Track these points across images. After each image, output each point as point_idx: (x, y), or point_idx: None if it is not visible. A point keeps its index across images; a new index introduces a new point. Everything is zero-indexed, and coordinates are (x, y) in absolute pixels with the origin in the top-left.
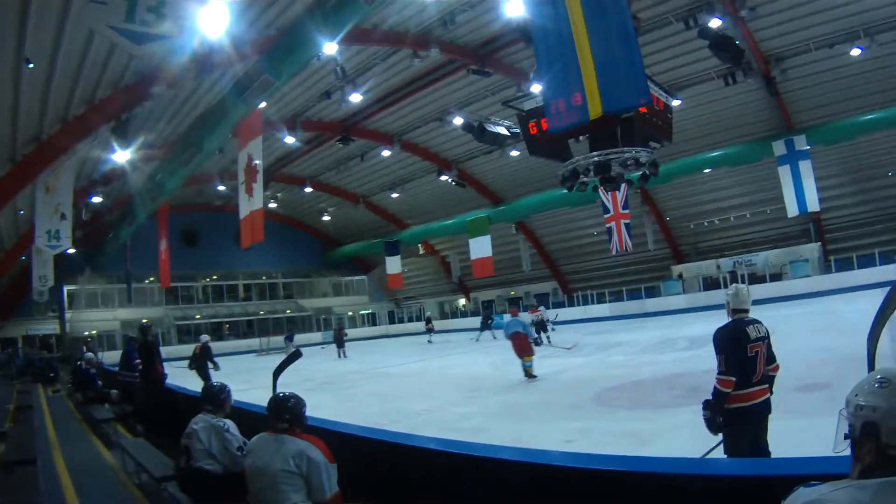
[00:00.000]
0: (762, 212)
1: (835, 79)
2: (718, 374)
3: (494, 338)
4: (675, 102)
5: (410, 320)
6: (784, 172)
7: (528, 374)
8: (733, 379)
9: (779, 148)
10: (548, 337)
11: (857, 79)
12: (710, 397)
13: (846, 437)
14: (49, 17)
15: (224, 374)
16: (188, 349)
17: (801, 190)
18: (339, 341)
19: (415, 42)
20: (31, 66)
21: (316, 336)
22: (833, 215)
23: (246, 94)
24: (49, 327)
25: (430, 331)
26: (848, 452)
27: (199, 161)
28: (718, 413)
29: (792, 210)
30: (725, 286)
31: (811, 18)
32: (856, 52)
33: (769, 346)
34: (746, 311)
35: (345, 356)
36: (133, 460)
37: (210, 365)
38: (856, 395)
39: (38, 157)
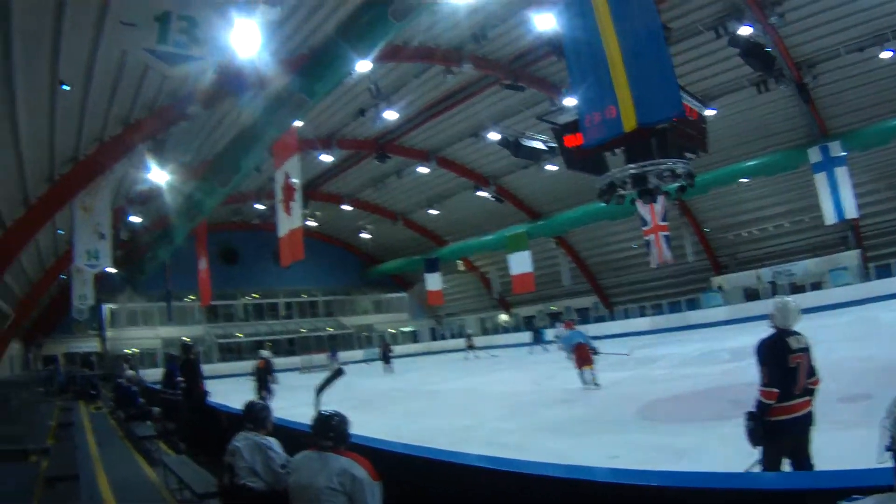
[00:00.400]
0: (800, 220)
1: (867, 82)
2: (761, 385)
3: (546, 350)
4: (709, 112)
5: (452, 337)
6: (820, 180)
7: (594, 383)
8: (776, 390)
9: (814, 155)
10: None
11: (890, 81)
12: (754, 409)
13: (888, 448)
14: (82, 40)
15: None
16: (230, 367)
17: (838, 197)
18: (386, 357)
19: (447, 58)
20: (66, 87)
21: (357, 354)
22: (871, 222)
23: (281, 114)
24: (90, 345)
25: (470, 347)
26: (891, 464)
27: (237, 180)
28: (760, 425)
29: (829, 218)
30: (766, 297)
31: (840, 22)
32: (886, 54)
33: (810, 358)
34: (788, 329)
35: (391, 371)
36: (175, 477)
37: (269, 379)
38: None
39: (76, 177)
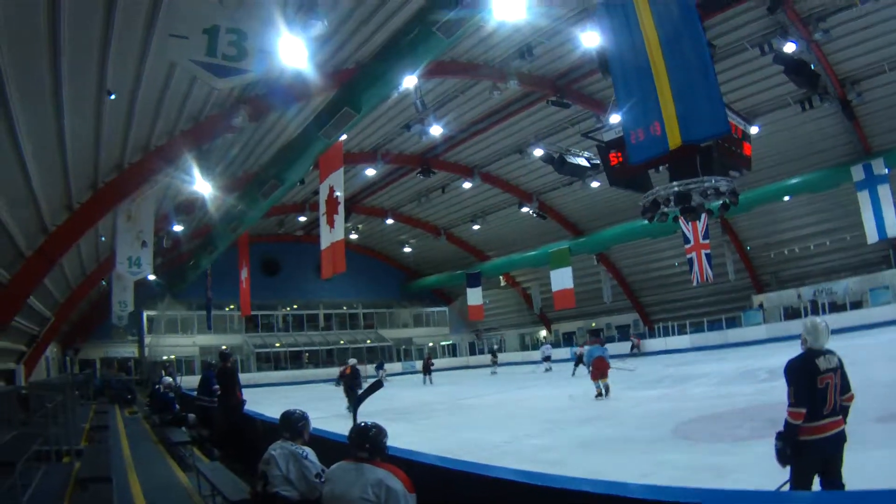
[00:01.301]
0: (842, 238)
1: None
2: (789, 406)
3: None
4: (753, 129)
5: (490, 352)
6: (863, 198)
7: (607, 391)
8: (803, 411)
9: (857, 173)
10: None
11: None
12: (783, 429)
13: None
14: (131, 51)
15: (303, 401)
16: (266, 377)
17: (881, 215)
18: (427, 370)
19: (493, 74)
20: (112, 97)
21: (396, 366)
22: None
23: (326, 127)
24: (128, 350)
25: (494, 363)
26: None
27: (280, 193)
28: (789, 445)
29: (872, 236)
30: (807, 315)
31: (884, 38)
32: None
33: (843, 375)
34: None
35: (430, 383)
36: (208, 483)
37: (356, 384)
38: None
39: (120, 185)
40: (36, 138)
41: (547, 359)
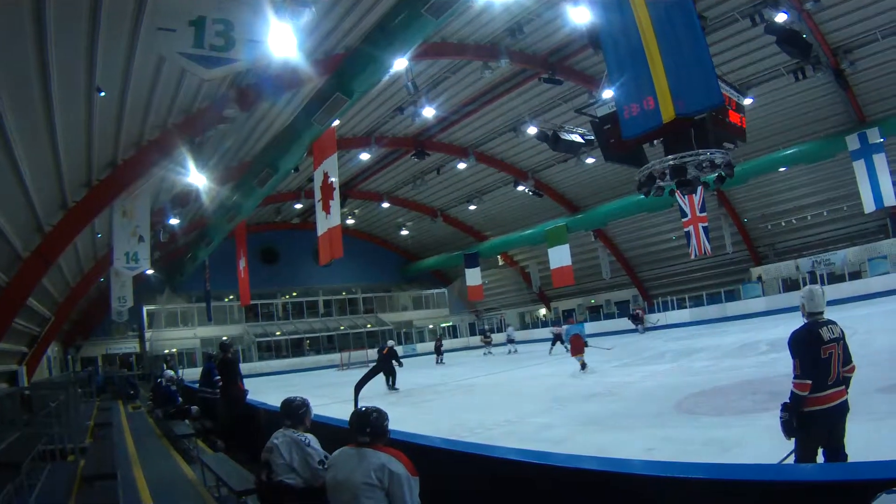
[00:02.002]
0: (839, 209)
1: None
2: (794, 377)
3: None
4: (747, 101)
5: (491, 332)
6: (859, 167)
7: (583, 367)
8: (809, 382)
9: (852, 142)
10: (565, 346)
11: None
12: (788, 401)
13: None
14: (118, 46)
15: (305, 388)
16: (268, 365)
17: (877, 184)
18: (438, 350)
19: (484, 53)
20: (102, 94)
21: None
22: None
23: (318, 113)
24: (129, 346)
25: (487, 344)
26: None
27: (275, 181)
28: (794, 416)
29: (868, 205)
30: (805, 286)
31: (876, 7)
32: None
33: (845, 347)
34: (821, 313)
35: (442, 363)
36: (213, 474)
37: (395, 363)
38: None
39: (114, 182)
40: (27, 139)
41: (511, 341)
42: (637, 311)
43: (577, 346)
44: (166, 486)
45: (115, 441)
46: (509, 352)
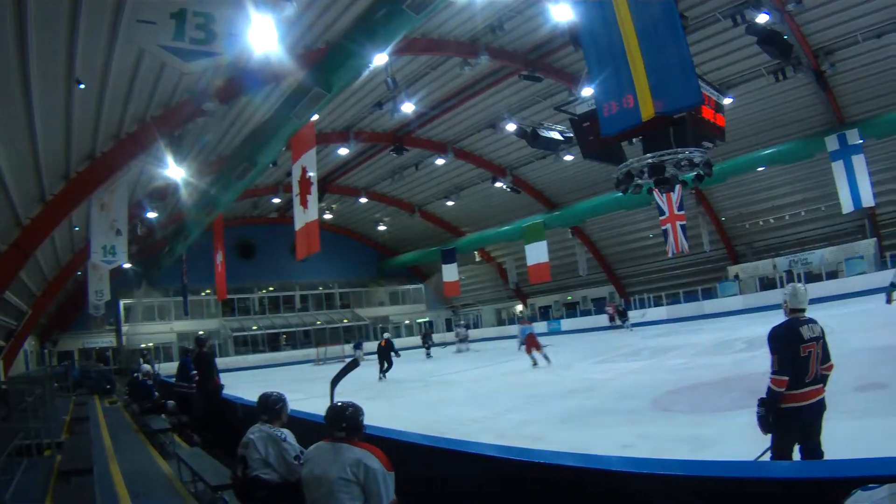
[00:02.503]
0: (817, 209)
1: (884, 70)
2: (772, 373)
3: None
4: (727, 101)
5: (468, 328)
6: (837, 168)
7: (544, 358)
8: (786, 378)
9: (831, 143)
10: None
11: None
12: (765, 396)
13: None
14: (98, 38)
15: (281, 383)
16: (245, 360)
17: (855, 185)
18: (426, 343)
19: (464, 50)
20: (82, 86)
21: (373, 345)
22: (888, 210)
23: (298, 108)
24: (105, 340)
25: (461, 341)
26: None
27: (254, 175)
28: (771, 412)
29: (847, 206)
30: (782, 286)
31: (857, 9)
32: None
33: (824, 345)
34: (803, 310)
35: (430, 358)
36: (189, 469)
37: (392, 354)
38: None
39: (92, 175)
40: (5, 132)
41: (463, 340)
42: (610, 308)
43: (533, 344)
44: (143, 480)
45: (91, 436)
46: (458, 350)
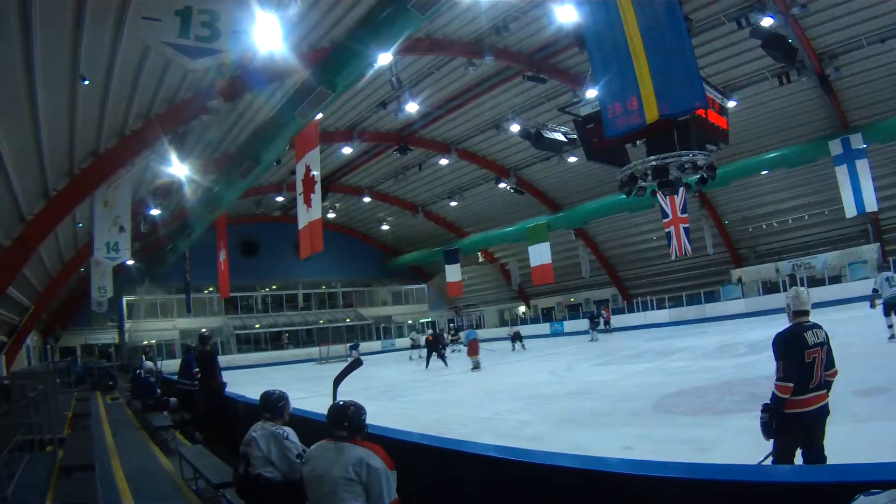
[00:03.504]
0: (820, 213)
1: (888, 74)
2: (777, 379)
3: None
4: (731, 104)
5: (471, 328)
6: (841, 172)
7: (475, 367)
8: (791, 385)
9: (835, 147)
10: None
11: None
12: (769, 402)
13: None
14: (103, 35)
15: (283, 381)
16: (247, 358)
17: (859, 190)
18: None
19: (469, 50)
20: (86, 82)
21: (376, 345)
22: (891, 215)
23: (302, 107)
24: (108, 337)
25: (455, 342)
26: None
27: (257, 173)
28: (775, 417)
29: (850, 211)
30: (785, 290)
31: (862, 14)
32: None
33: (828, 351)
34: (807, 313)
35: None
36: (191, 467)
37: (441, 347)
38: None
39: (96, 171)
40: (10, 127)
41: (416, 346)
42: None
43: (473, 348)
44: (144, 477)
45: (93, 432)
46: (410, 358)
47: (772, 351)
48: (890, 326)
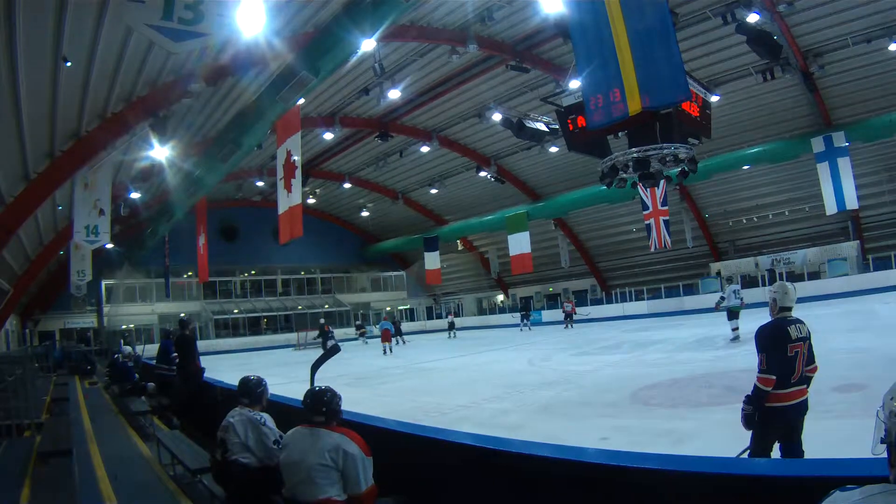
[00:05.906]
0: (801, 209)
1: (873, 74)
2: (759, 372)
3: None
4: (714, 98)
5: (448, 315)
6: (822, 170)
7: (391, 350)
8: (773, 377)
9: (817, 145)
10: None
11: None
12: (751, 394)
13: (882, 440)
14: (86, 16)
15: (261, 367)
16: (225, 343)
17: (840, 187)
18: (398, 331)
19: (452, 38)
20: (68, 64)
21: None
22: (871, 213)
23: (284, 91)
24: (87, 321)
25: (362, 335)
26: (885, 455)
27: (238, 158)
28: (757, 410)
29: (830, 208)
30: (764, 284)
31: (848, 13)
32: (894, 46)
33: (810, 346)
34: (790, 308)
35: (455, 336)
36: (168, 452)
37: (398, 336)
38: (892, 399)
39: (77, 154)
40: None
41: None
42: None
43: (386, 337)
44: (122, 462)
45: (71, 417)
46: (364, 342)
47: (754, 344)
48: (734, 329)
